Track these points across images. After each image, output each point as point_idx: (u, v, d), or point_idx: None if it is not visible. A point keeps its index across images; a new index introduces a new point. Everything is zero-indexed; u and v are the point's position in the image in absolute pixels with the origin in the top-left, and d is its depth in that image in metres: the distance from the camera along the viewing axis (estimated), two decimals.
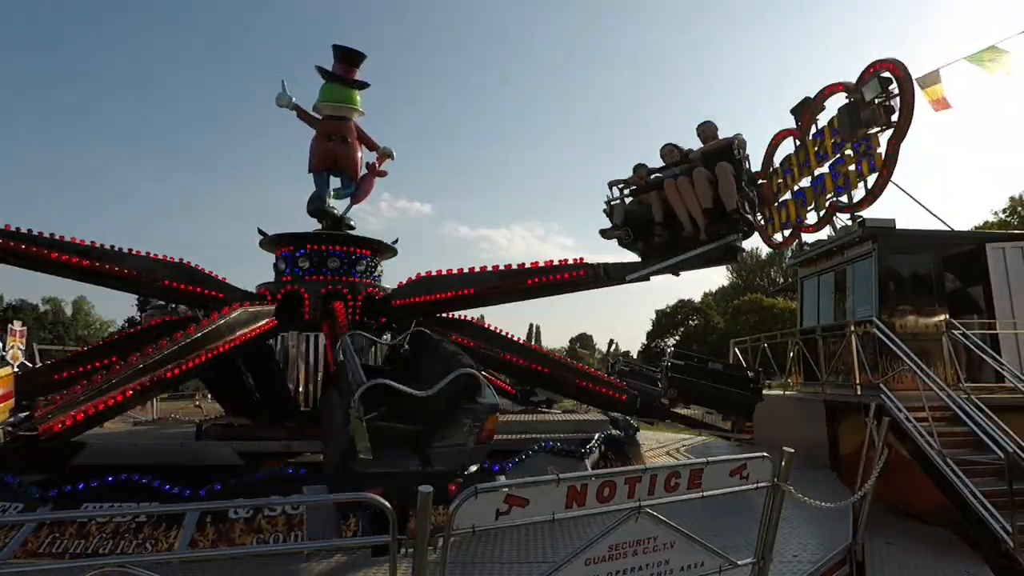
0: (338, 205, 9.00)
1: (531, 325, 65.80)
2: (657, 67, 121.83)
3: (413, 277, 8.22)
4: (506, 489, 2.65)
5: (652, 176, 7.44)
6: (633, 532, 3.08)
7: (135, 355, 5.70)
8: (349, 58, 8.90)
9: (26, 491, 5.22)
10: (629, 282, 7.46)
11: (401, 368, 6.88)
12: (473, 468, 4.23)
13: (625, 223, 7.39)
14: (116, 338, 9.76)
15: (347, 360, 4.75)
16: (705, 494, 3.22)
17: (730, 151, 6.93)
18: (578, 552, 2.95)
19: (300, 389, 8.15)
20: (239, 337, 6.68)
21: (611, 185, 7.59)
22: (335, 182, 9.10)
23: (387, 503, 2.47)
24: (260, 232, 8.42)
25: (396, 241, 9.01)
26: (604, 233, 7.59)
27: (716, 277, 71.83)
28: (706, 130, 7.39)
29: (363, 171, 9.16)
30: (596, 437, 7.72)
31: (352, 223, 9.03)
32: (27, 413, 5.10)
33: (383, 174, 9.33)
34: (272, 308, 7.48)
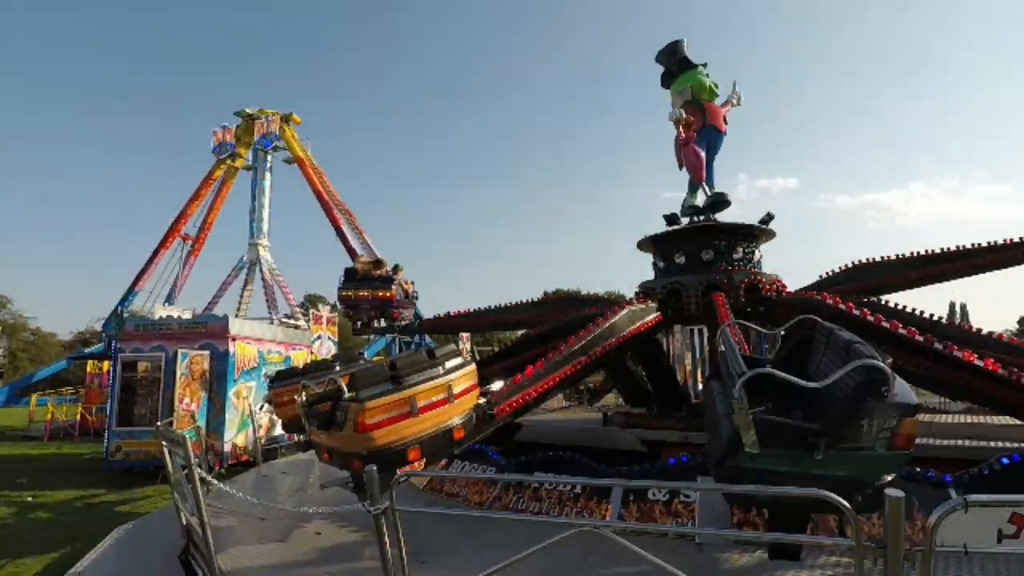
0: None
1: (952, 304, 52.33)
2: None
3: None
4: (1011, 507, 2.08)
5: None
6: None
7: (552, 352, 6.69)
8: (666, 55, 9.02)
9: (495, 459, 6.73)
10: None
11: (792, 360, 6.26)
12: (888, 477, 3.33)
13: None
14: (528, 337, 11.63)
15: (726, 349, 4.54)
16: None
17: None
18: None
19: (688, 381, 8.31)
20: (627, 333, 7.19)
21: None
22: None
23: (846, 503, 2.23)
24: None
25: (770, 218, 8.34)
26: None
27: None
28: None
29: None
30: None
31: (720, 197, 8.65)
32: (486, 399, 6.54)
33: (683, 138, 8.66)
34: (654, 305, 7.84)
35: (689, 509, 5.08)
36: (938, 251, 7.55)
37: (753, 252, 8.48)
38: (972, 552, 2.12)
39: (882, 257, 8.07)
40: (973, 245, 7.28)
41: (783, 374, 3.33)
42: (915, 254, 7.71)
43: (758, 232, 8.38)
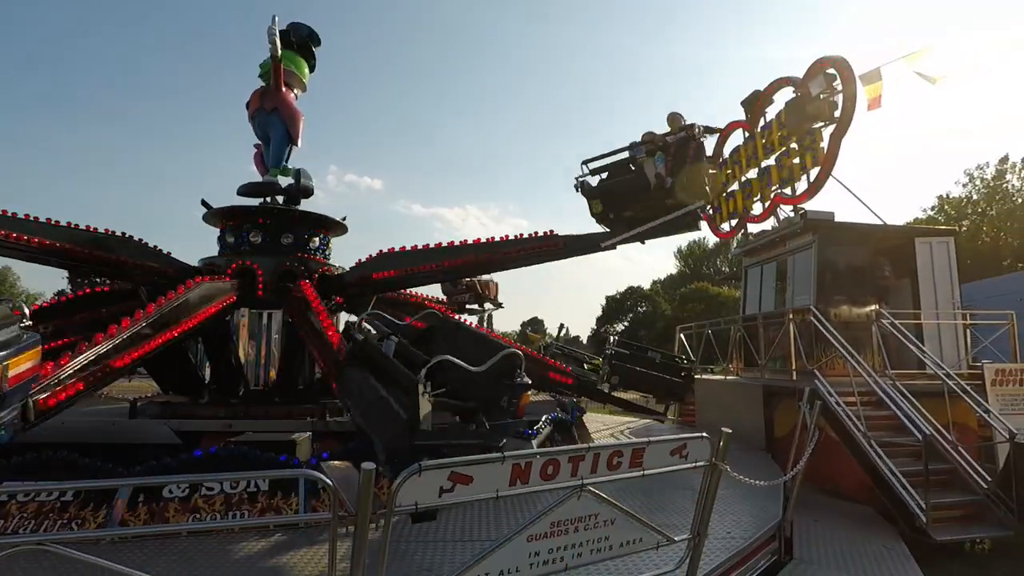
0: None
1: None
2: (618, 59, 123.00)
3: (368, 255, 8.11)
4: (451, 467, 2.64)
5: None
6: (575, 509, 3.13)
7: (112, 328, 5.18)
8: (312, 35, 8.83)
9: None
10: (602, 249, 7.67)
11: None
12: (504, 440, 4.28)
13: (602, 196, 7.75)
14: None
15: (382, 341, 4.68)
16: (646, 473, 3.30)
17: (689, 141, 7.27)
18: (520, 529, 2.98)
19: (250, 367, 7.95)
20: (205, 312, 6.40)
21: (584, 163, 8.06)
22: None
23: (329, 479, 2.42)
24: (204, 204, 7.99)
25: (344, 219, 8.77)
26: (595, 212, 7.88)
27: (665, 265, 73.81)
28: (673, 119, 7.66)
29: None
30: (543, 419, 7.81)
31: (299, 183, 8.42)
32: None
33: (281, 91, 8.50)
34: (234, 283, 7.15)
35: (210, 503, 4.76)
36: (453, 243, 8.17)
37: (328, 243, 8.73)
38: (421, 508, 2.59)
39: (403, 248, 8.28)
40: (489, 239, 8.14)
41: (456, 360, 4.07)
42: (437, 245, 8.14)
43: (334, 225, 8.65)
